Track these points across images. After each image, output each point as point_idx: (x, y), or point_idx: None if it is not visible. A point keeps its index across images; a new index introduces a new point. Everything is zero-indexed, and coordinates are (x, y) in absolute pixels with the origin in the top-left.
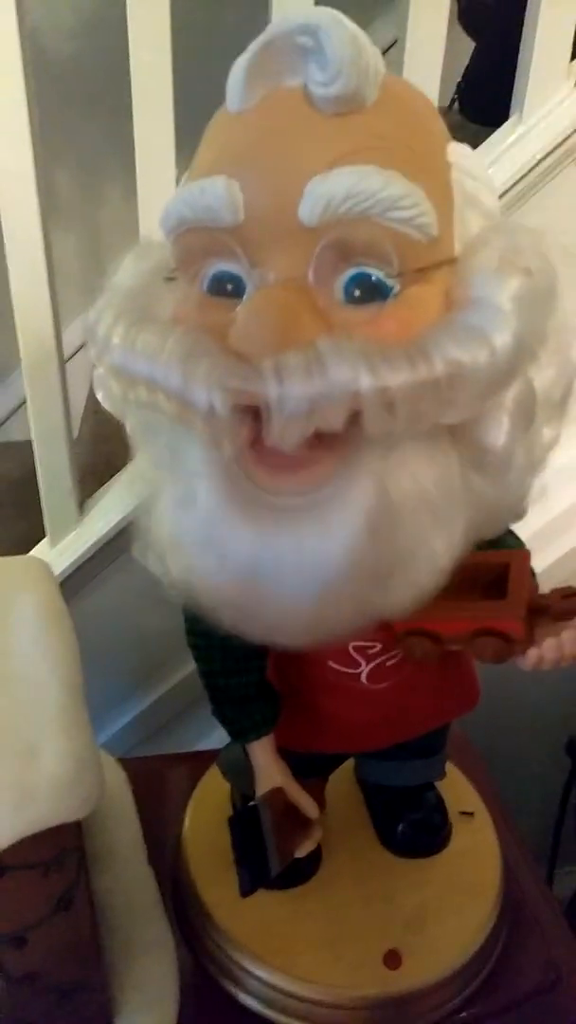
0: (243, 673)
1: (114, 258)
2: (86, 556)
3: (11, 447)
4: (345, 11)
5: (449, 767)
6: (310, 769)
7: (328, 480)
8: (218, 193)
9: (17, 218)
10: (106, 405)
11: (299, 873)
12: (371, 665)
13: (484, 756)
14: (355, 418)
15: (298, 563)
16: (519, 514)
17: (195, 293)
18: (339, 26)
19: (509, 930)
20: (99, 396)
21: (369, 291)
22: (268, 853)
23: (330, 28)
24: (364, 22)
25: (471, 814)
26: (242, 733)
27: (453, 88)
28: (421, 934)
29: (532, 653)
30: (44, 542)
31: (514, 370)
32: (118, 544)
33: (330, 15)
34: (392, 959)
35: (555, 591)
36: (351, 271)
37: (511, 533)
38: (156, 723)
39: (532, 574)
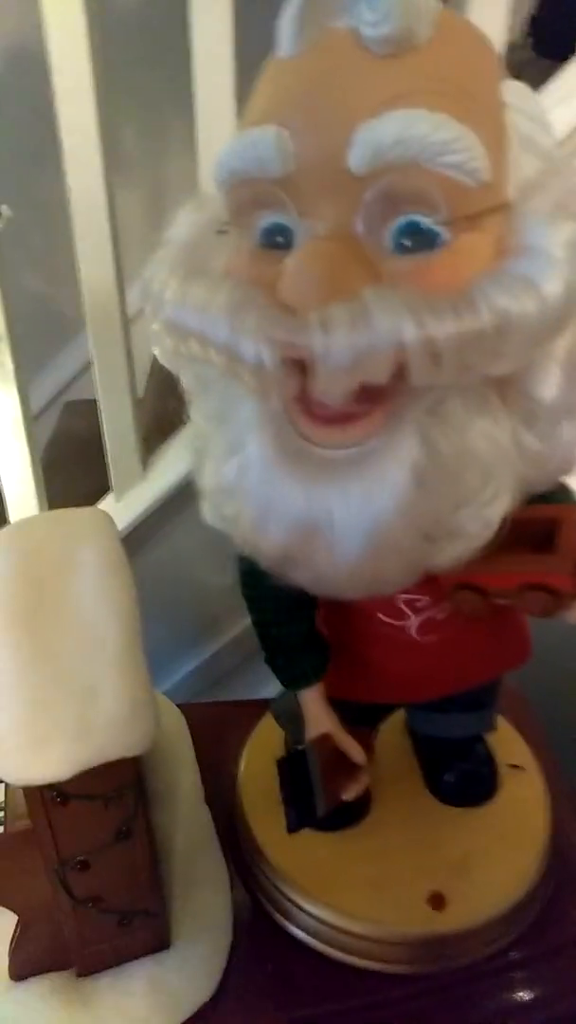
0: (293, 623)
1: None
2: (149, 510)
3: (79, 405)
4: None
5: (501, 721)
6: (360, 718)
7: (375, 433)
8: (268, 143)
9: (81, 176)
10: (162, 360)
11: (348, 816)
12: (420, 618)
13: (541, 711)
14: (401, 372)
15: (345, 515)
16: (570, 467)
17: (247, 245)
18: None
19: (556, 881)
20: (156, 352)
21: (419, 240)
22: (315, 795)
23: None
24: None
25: (520, 767)
26: (293, 681)
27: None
28: (465, 880)
29: None
30: (109, 496)
31: (565, 319)
32: (180, 499)
33: None
34: (436, 901)
35: None
36: (400, 219)
37: (564, 487)
38: (218, 672)
39: None
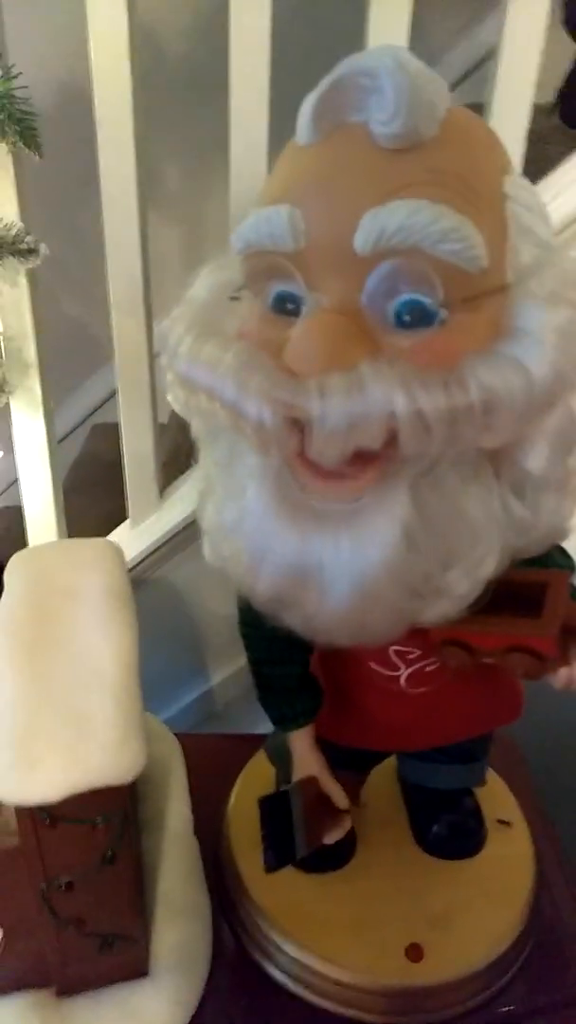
0: (287, 664)
1: (215, 253)
2: (163, 540)
3: (107, 428)
4: (446, 13)
5: (492, 776)
6: (351, 763)
7: (369, 491)
8: (282, 221)
9: (118, 219)
10: (176, 409)
11: (333, 859)
12: (410, 669)
13: (542, 770)
14: (394, 439)
15: (335, 565)
16: (560, 536)
17: (259, 309)
18: (398, 70)
19: (536, 941)
20: (169, 399)
21: (418, 317)
22: (295, 836)
23: (390, 71)
24: (463, 26)
25: (508, 823)
26: (283, 721)
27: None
28: (445, 932)
29: (563, 672)
30: (126, 523)
31: (551, 400)
32: (193, 531)
33: (392, 58)
34: (414, 952)
35: None
36: (401, 297)
37: (561, 551)
38: (220, 703)
39: (573, 594)
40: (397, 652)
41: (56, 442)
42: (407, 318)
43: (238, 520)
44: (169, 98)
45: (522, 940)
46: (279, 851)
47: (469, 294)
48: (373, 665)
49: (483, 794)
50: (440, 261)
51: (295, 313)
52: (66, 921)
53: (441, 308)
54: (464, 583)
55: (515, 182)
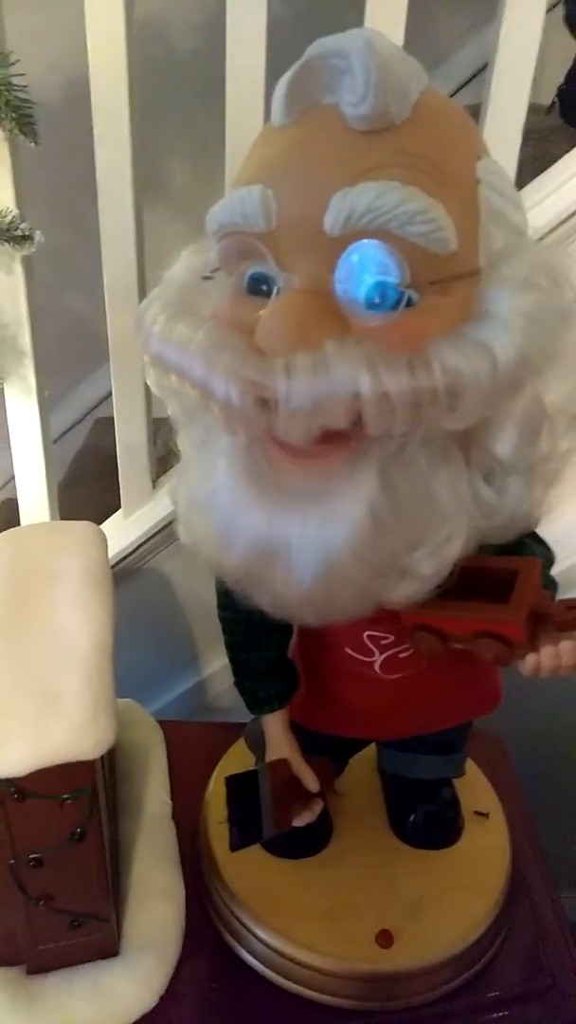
0: (263, 649)
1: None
2: (155, 530)
3: (109, 423)
4: (453, 14)
5: (473, 769)
6: (329, 751)
7: (337, 471)
8: (253, 201)
9: (113, 210)
10: (152, 388)
11: (308, 846)
12: (385, 655)
13: (533, 770)
14: (360, 419)
15: (301, 542)
16: (530, 523)
17: (233, 290)
18: (369, 50)
19: (510, 932)
20: (148, 381)
21: (388, 299)
22: (263, 816)
23: (360, 52)
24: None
25: (486, 815)
26: (257, 705)
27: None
28: (416, 920)
29: (531, 659)
30: (119, 513)
31: (516, 384)
32: None
33: (363, 39)
34: (384, 938)
35: (561, 602)
36: (371, 279)
37: (537, 540)
38: (211, 694)
39: (550, 584)
40: (371, 638)
41: (50, 430)
42: (376, 299)
43: (209, 497)
44: (174, 94)
45: (494, 930)
46: (245, 830)
47: (438, 277)
48: (348, 651)
49: (462, 786)
50: (408, 243)
51: (268, 294)
52: (35, 898)
53: (409, 290)
54: (429, 563)
55: (488, 167)
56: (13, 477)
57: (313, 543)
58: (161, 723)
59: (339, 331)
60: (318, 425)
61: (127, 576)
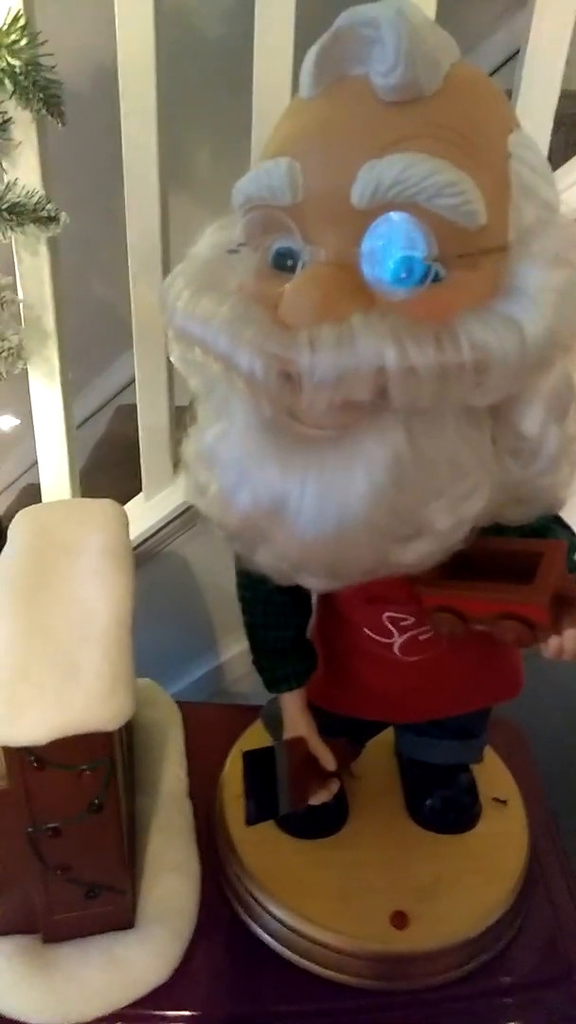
0: (281, 628)
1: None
2: (175, 513)
3: (132, 409)
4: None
5: (492, 756)
6: (347, 733)
7: (359, 421)
8: (280, 174)
9: (139, 196)
10: (174, 363)
11: (324, 827)
12: (404, 637)
13: (554, 761)
14: (384, 392)
15: (320, 497)
16: (556, 503)
17: (258, 265)
18: (400, 19)
19: (525, 918)
20: (172, 357)
21: (414, 273)
22: (279, 792)
23: (391, 21)
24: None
25: (503, 802)
26: (275, 683)
27: None
28: (431, 904)
29: (553, 642)
30: (140, 496)
31: (545, 361)
32: None
33: (394, 8)
34: (398, 919)
35: None
36: (399, 253)
37: (561, 523)
38: (229, 679)
39: (574, 568)
40: (391, 619)
41: (73, 413)
42: (402, 274)
43: (219, 441)
44: (200, 79)
45: (510, 916)
46: (261, 805)
47: (466, 251)
48: (368, 632)
49: (481, 773)
50: (436, 216)
51: (293, 269)
52: (52, 867)
53: (436, 264)
54: (447, 518)
55: (519, 141)
56: (36, 463)
57: (332, 498)
58: (179, 704)
59: (364, 305)
60: (340, 398)
61: (147, 559)
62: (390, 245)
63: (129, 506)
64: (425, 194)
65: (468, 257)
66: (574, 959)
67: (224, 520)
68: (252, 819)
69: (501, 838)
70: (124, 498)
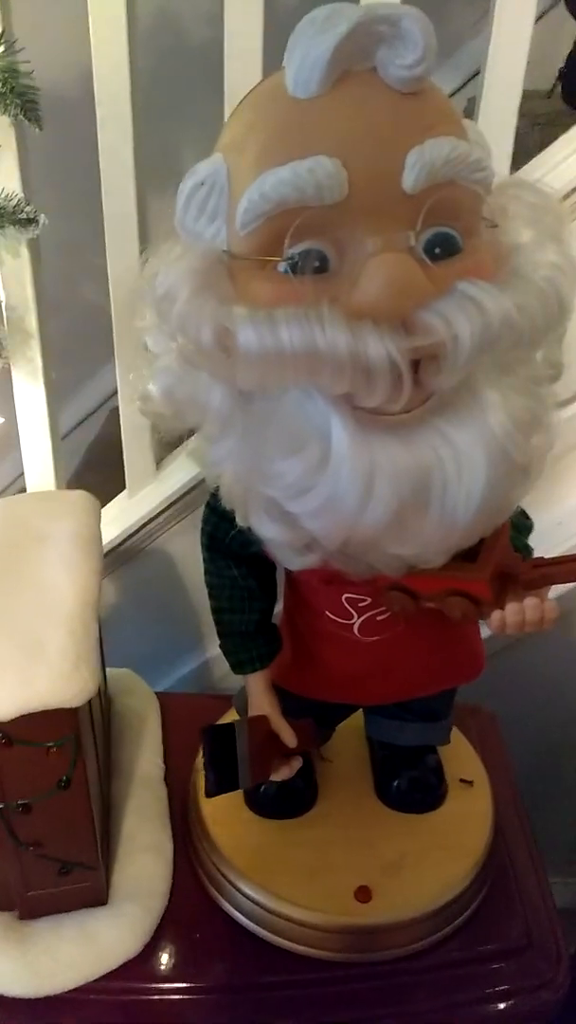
0: (246, 612)
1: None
2: (159, 509)
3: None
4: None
5: (458, 737)
6: (316, 716)
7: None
8: (328, 172)
9: (115, 200)
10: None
11: (293, 807)
12: (363, 618)
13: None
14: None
15: (457, 452)
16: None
17: (268, 274)
18: (420, 15)
19: (489, 892)
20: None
21: (447, 247)
22: (239, 766)
23: (415, 17)
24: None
25: (470, 783)
26: (239, 665)
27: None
28: (395, 878)
29: (496, 616)
30: (123, 493)
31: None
32: (189, 502)
33: (414, 7)
34: (362, 894)
35: (528, 561)
36: (432, 231)
37: (519, 510)
38: (216, 675)
39: (523, 549)
40: (349, 600)
41: (56, 411)
42: (437, 250)
43: (321, 465)
44: (184, 84)
45: (473, 889)
46: (222, 778)
47: (476, 222)
48: (328, 614)
49: (449, 755)
50: (470, 190)
51: (322, 271)
52: (25, 843)
53: (461, 236)
54: (544, 445)
55: (476, 127)
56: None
57: (471, 449)
58: (157, 694)
59: (431, 282)
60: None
61: (133, 556)
62: (438, 225)
63: (113, 503)
64: (467, 171)
65: (473, 227)
66: (535, 931)
67: (363, 523)
68: (212, 791)
69: (466, 817)
70: (111, 496)
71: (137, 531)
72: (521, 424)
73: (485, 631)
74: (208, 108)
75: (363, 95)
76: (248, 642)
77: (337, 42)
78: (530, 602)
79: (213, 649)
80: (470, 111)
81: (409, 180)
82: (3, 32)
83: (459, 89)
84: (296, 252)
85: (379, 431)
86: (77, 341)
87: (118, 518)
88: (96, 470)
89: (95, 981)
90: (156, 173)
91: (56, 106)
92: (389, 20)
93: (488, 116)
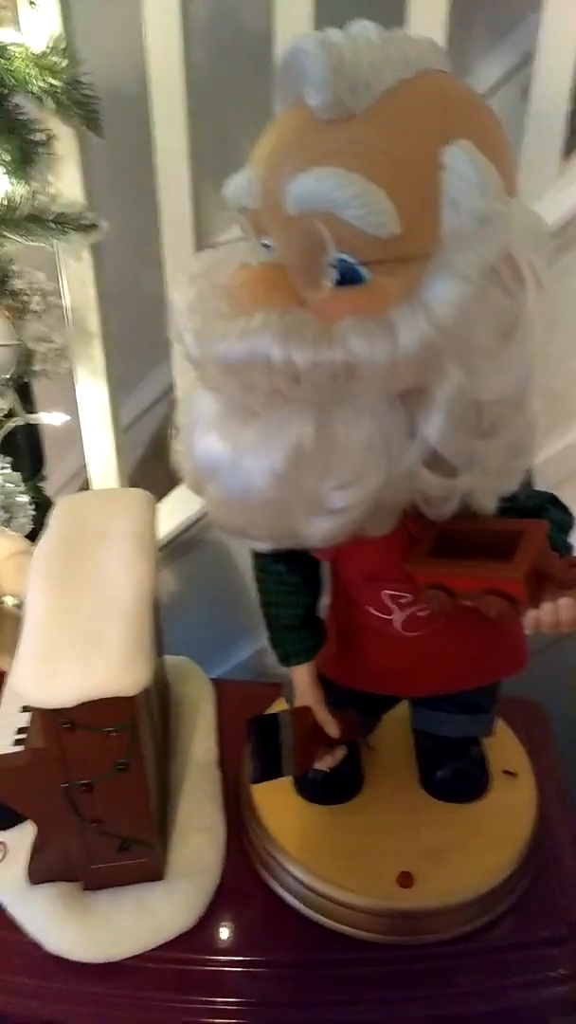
0: (292, 606)
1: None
2: None
3: None
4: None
5: (503, 729)
6: (360, 706)
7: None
8: (242, 183)
9: (172, 196)
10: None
11: (340, 793)
12: (404, 614)
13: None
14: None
15: (234, 467)
16: (478, 506)
17: (256, 254)
18: (322, 48)
19: (532, 883)
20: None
21: (345, 275)
22: (283, 755)
23: (311, 50)
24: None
25: (515, 774)
26: (285, 658)
27: None
28: (437, 865)
29: (531, 615)
30: (183, 484)
31: (419, 367)
32: None
33: (317, 38)
34: (404, 879)
35: (565, 560)
36: (336, 256)
37: (558, 504)
38: (270, 663)
39: (563, 546)
40: (391, 596)
41: (118, 407)
42: (336, 276)
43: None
44: (242, 75)
45: (515, 879)
46: (266, 766)
47: (381, 258)
48: (371, 609)
49: (493, 747)
50: (351, 225)
51: None
52: (87, 820)
53: (363, 269)
54: (342, 499)
55: (456, 153)
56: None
57: (243, 462)
58: (215, 681)
59: (290, 300)
60: (246, 383)
61: (191, 546)
62: (323, 250)
63: (173, 494)
64: (336, 205)
65: (386, 264)
66: None
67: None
68: (256, 778)
69: (509, 808)
70: (175, 487)
71: (196, 522)
72: (305, 466)
73: None
74: (262, 99)
75: (291, 120)
76: (293, 635)
77: (277, 70)
78: (565, 602)
79: (265, 639)
80: None
81: (287, 203)
82: (66, 46)
83: (517, 69)
84: (259, 240)
85: (229, 412)
86: (140, 333)
87: (177, 509)
88: (159, 460)
89: (151, 951)
90: (211, 165)
91: (112, 104)
92: (299, 52)
93: (539, 101)
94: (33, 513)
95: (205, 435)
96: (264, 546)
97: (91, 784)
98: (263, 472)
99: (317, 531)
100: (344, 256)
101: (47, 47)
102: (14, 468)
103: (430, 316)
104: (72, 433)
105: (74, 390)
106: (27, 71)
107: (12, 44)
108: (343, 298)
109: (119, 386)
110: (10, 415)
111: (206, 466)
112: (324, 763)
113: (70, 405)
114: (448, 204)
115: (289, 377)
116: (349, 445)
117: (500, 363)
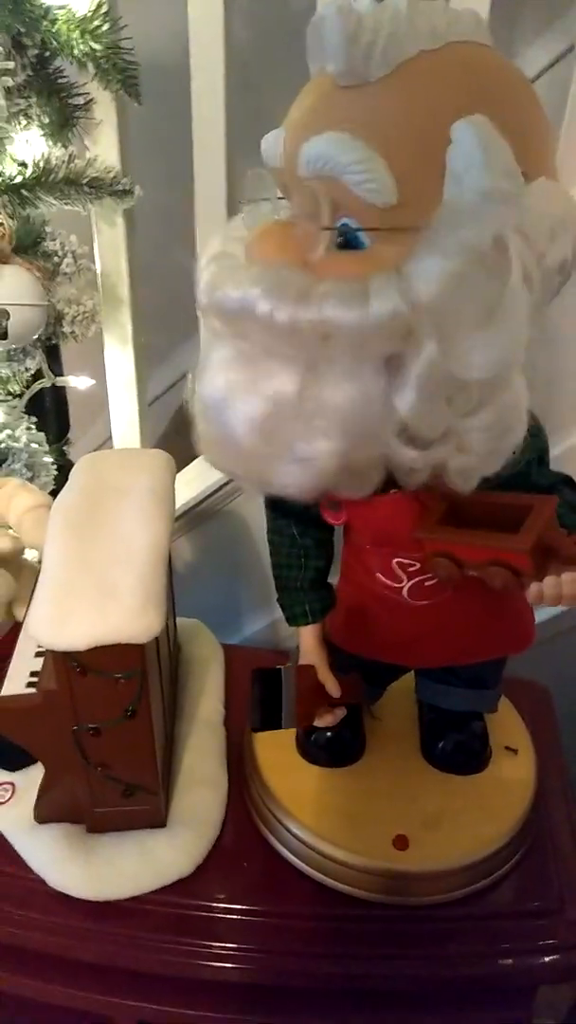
0: (301, 568)
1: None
2: None
3: None
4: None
5: (507, 707)
6: (367, 674)
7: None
8: (271, 143)
9: (207, 170)
10: None
11: (341, 756)
12: (412, 582)
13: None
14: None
15: (221, 408)
16: (458, 480)
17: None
18: (339, 15)
19: (526, 854)
20: None
21: (348, 239)
22: (283, 709)
23: (330, 18)
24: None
25: (515, 751)
26: (293, 618)
27: None
28: (433, 831)
29: (533, 587)
30: (202, 456)
31: (388, 340)
32: None
33: (338, 6)
34: (400, 842)
35: (572, 537)
36: (340, 219)
37: (570, 484)
38: (285, 633)
39: (572, 524)
40: (400, 564)
41: (144, 373)
42: (340, 239)
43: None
44: (286, 53)
45: (509, 850)
46: (267, 717)
47: (378, 225)
48: (380, 576)
49: (496, 724)
50: (351, 191)
51: None
52: (94, 763)
53: (364, 235)
54: (307, 450)
55: (465, 128)
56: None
57: (232, 404)
58: (225, 646)
59: (296, 259)
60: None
61: (208, 516)
62: (332, 214)
63: (193, 465)
64: (336, 170)
65: (383, 232)
66: (567, 895)
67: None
68: (256, 727)
69: (508, 783)
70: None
71: (214, 492)
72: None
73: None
74: (301, 77)
75: (315, 84)
76: (301, 596)
77: (307, 40)
78: (568, 577)
79: (279, 611)
80: None
81: (301, 164)
82: (108, 10)
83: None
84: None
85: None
86: (171, 307)
87: (196, 479)
88: (183, 434)
89: (151, 893)
90: (246, 138)
91: (150, 74)
92: (318, 19)
93: None
94: (56, 474)
95: (211, 378)
96: (253, 490)
97: (99, 729)
98: (242, 417)
99: (285, 478)
100: (347, 221)
101: (90, 11)
102: (39, 430)
103: (404, 288)
104: (99, 405)
105: (102, 357)
106: (70, 34)
107: (56, 7)
108: (340, 261)
109: (146, 359)
110: (37, 377)
111: (203, 407)
112: (323, 721)
113: (98, 374)
114: (451, 178)
115: (273, 332)
116: (328, 406)
117: (478, 343)
